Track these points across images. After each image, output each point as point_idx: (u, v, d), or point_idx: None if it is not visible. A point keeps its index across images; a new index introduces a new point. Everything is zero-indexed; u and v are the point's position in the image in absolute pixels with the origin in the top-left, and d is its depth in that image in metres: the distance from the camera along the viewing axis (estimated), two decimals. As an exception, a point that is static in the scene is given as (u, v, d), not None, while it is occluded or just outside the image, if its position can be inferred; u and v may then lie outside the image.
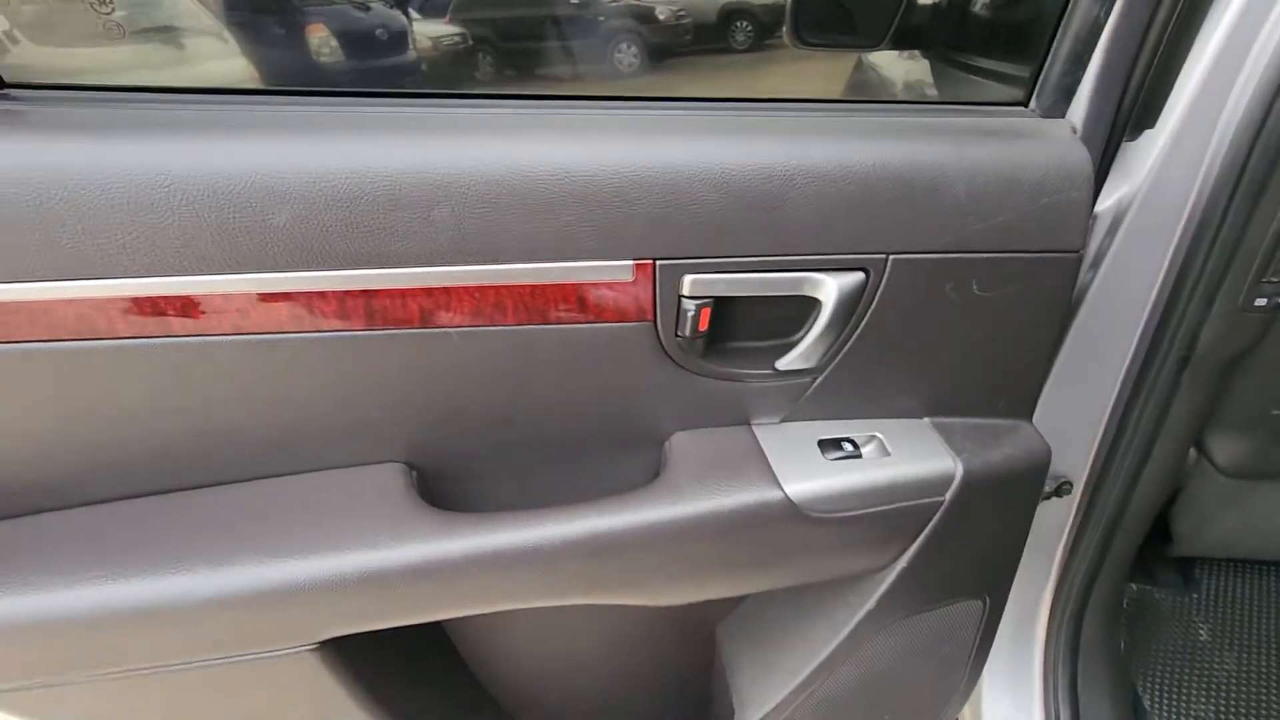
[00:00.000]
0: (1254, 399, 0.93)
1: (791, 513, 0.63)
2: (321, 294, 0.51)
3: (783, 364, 0.64)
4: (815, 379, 0.66)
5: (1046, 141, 0.60)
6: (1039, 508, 0.78)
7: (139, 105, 0.50)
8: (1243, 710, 1.15)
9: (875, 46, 0.85)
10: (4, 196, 0.44)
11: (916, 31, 1.26)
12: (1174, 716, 1.14)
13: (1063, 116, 0.63)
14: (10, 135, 0.45)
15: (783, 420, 0.69)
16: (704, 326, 0.59)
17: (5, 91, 0.47)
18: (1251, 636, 1.24)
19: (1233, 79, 0.61)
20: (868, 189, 0.56)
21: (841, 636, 0.75)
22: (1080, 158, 0.59)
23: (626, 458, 0.68)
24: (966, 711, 1.14)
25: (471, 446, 0.64)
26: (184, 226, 0.47)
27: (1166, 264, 0.72)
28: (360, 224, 0.49)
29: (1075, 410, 0.82)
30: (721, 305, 0.59)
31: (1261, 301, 0.72)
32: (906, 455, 0.67)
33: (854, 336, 0.63)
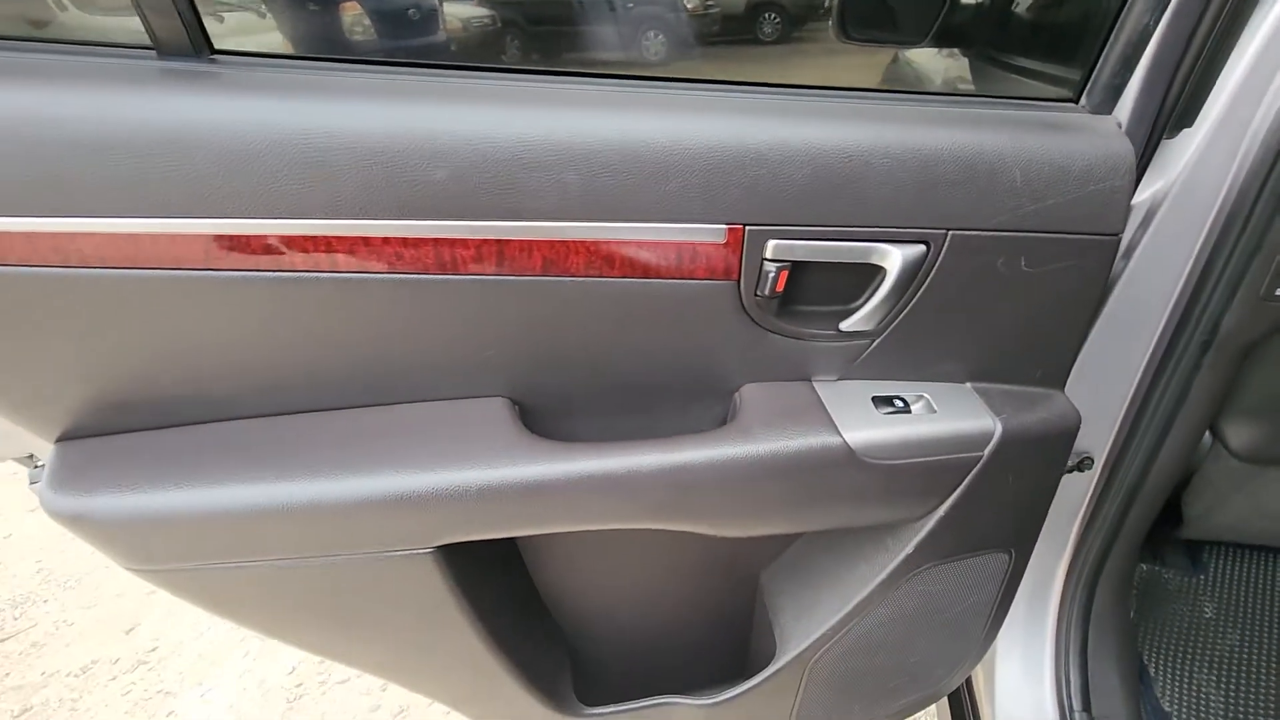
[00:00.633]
0: (1269, 386, 1.00)
1: (848, 457, 0.71)
2: (464, 241, 0.59)
3: (845, 325, 0.72)
4: (873, 341, 0.74)
5: (1095, 134, 0.67)
6: (1061, 481, 0.86)
7: (321, 72, 0.58)
8: (1243, 682, 1.22)
9: (919, 43, 0.92)
10: (210, 144, 0.53)
11: (960, 30, 1.32)
12: (1178, 685, 1.22)
13: (1110, 114, 0.70)
14: (216, 94, 0.54)
15: (840, 378, 0.77)
16: (780, 288, 0.67)
17: (213, 57, 0.56)
18: (1255, 616, 1.31)
19: (1266, 85, 0.68)
20: (934, 170, 0.64)
21: (879, 580, 0.83)
22: (1125, 150, 0.66)
23: (699, 404, 0.77)
24: (979, 670, 1.22)
25: (567, 387, 0.72)
26: (360, 178, 0.55)
27: (1195, 254, 0.79)
28: (502, 182, 0.58)
29: (1100, 390, 0.89)
30: (795, 269, 0.67)
31: None
32: (951, 413, 0.75)
33: (911, 304, 0.71)
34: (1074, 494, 1.02)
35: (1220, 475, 1.23)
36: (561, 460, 0.67)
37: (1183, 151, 0.73)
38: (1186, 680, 1.23)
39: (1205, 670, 1.23)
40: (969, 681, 1.23)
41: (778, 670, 0.89)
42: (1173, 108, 0.69)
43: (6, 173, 0.51)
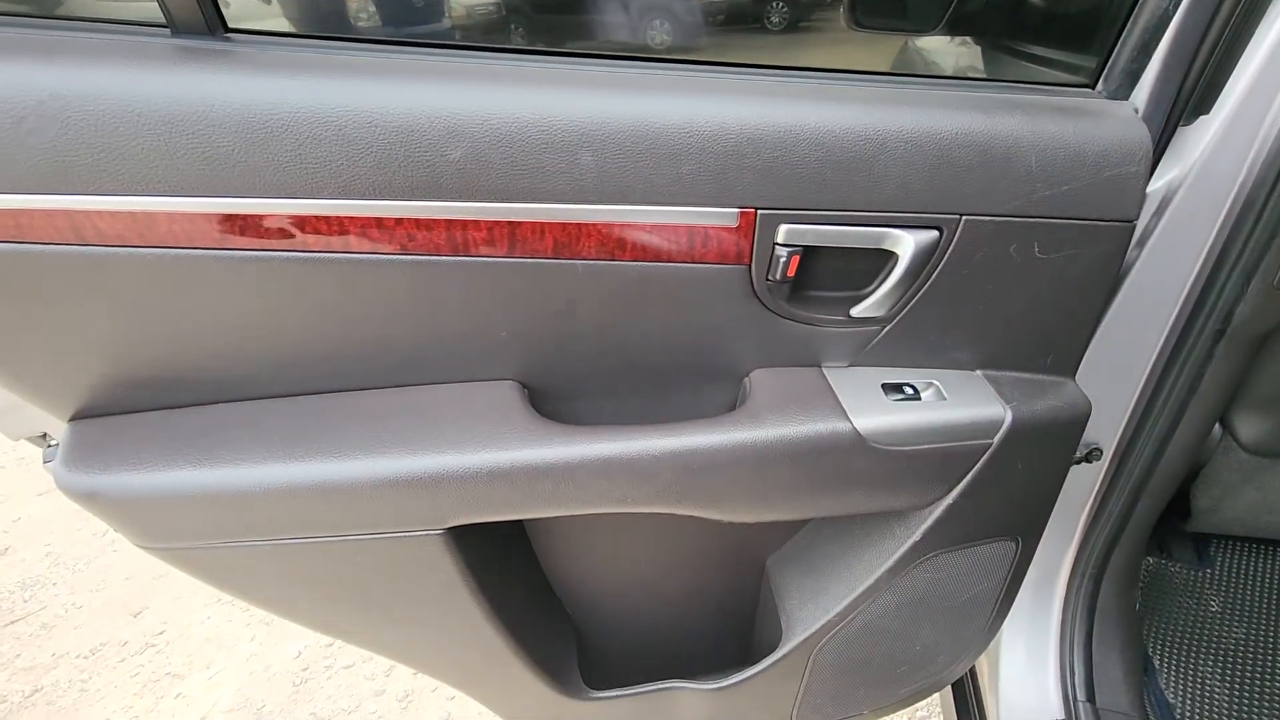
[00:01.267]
0: None
1: (857, 444, 0.71)
2: (476, 223, 0.59)
3: (856, 311, 0.72)
4: (883, 328, 0.74)
5: (1111, 120, 0.67)
6: (1069, 471, 0.86)
7: (335, 51, 0.58)
8: (1248, 676, 1.22)
9: (930, 30, 0.91)
10: (224, 123, 0.53)
11: (972, 17, 1.31)
12: (1182, 678, 1.22)
13: (1126, 99, 0.70)
14: (231, 72, 0.54)
15: (850, 365, 0.77)
16: (792, 272, 0.67)
17: (227, 36, 0.56)
18: (1261, 610, 1.31)
19: None
20: (948, 154, 0.63)
21: (885, 566, 0.83)
22: (1141, 135, 0.66)
23: (709, 388, 0.77)
24: (984, 660, 1.22)
25: (576, 370, 0.72)
26: (375, 158, 0.55)
27: (1209, 243, 0.78)
28: (518, 162, 0.57)
29: (1110, 380, 0.89)
30: (807, 254, 0.67)
31: None
32: (961, 401, 0.74)
33: (922, 290, 0.70)
34: (1082, 485, 1.02)
35: (1229, 468, 1.23)
36: (571, 443, 0.67)
37: (1199, 138, 0.72)
38: (1191, 673, 1.23)
39: (1210, 664, 1.23)
40: (973, 670, 1.24)
41: (783, 656, 0.90)
42: (1190, 94, 0.69)
43: (25, 150, 0.51)
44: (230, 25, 0.56)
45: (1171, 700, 1.20)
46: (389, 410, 0.67)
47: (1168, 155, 0.73)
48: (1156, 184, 0.74)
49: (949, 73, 1.24)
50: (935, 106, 0.65)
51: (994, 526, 0.84)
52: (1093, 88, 0.72)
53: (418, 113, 0.55)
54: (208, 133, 0.52)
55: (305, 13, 0.69)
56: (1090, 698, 1.10)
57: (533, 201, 0.59)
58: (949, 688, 1.29)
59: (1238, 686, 1.21)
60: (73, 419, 0.65)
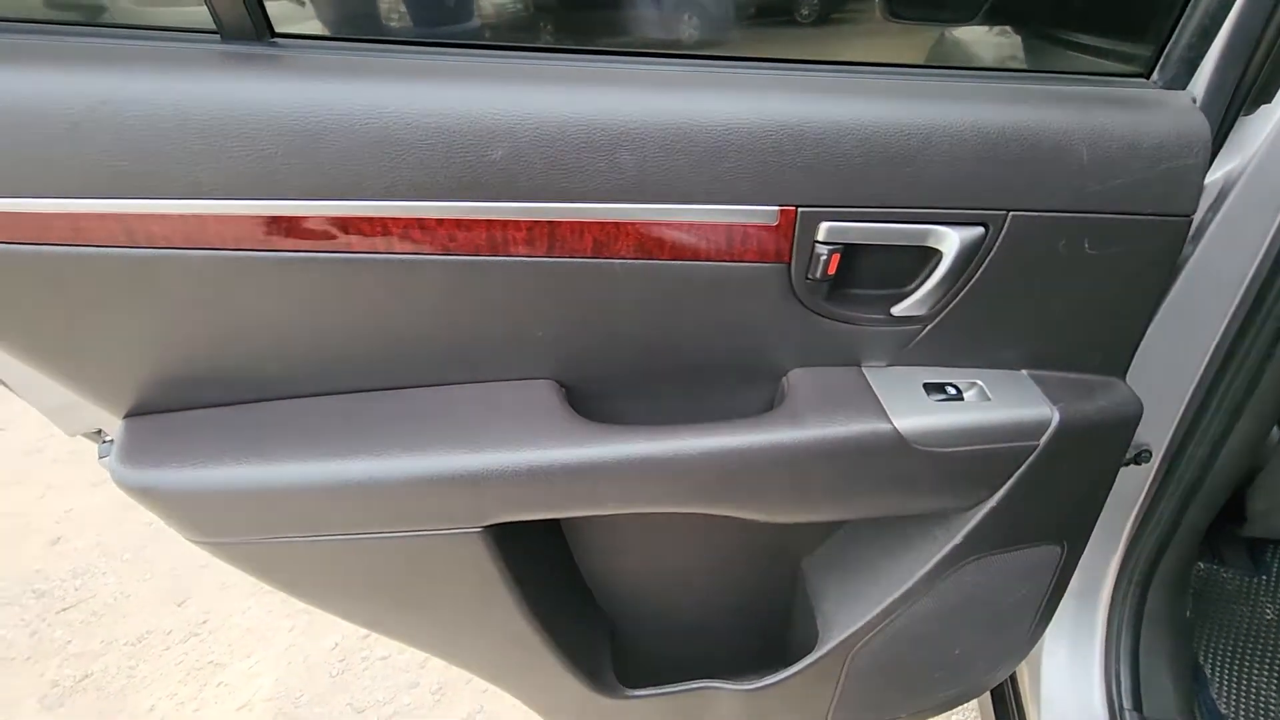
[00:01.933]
0: None
1: (899, 445, 0.69)
2: (516, 223, 0.60)
3: (897, 310, 0.70)
4: (924, 326, 0.72)
5: (1168, 110, 0.64)
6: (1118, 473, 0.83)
7: (378, 54, 0.59)
8: (1305, 687, 1.17)
9: (968, 20, 0.89)
10: (272, 126, 0.54)
11: (1012, 6, 1.27)
12: (1235, 688, 1.18)
13: (1184, 89, 0.67)
14: (278, 76, 0.55)
15: (889, 364, 0.75)
16: (832, 270, 0.66)
17: (274, 40, 0.57)
18: (1319, 619, 1.26)
19: None
20: (995, 148, 0.62)
21: (925, 569, 0.82)
22: (1200, 125, 0.63)
23: (746, 388, 0.76)
24: (1024, 667, 1.19)
25: (613, 369, 0.72)
26: (418, 159, 0.55)
27: (1270, 237, 0.75)
28: (558, 162, 0.57)
29: (1162, 379, 0.86)
30: (847, 251, 0.66)
31: None
32: (1006, 401, 0.73)
33: (966, 288, 0.69)
34: (1129, 488, 0.99)
35: None
36: (610, 443, 0.67)
37: (1261, 128, 0.69)
38: (1245, 683, 1.19)
39: (1265, 673, 1.19)
40: (1013, 677, 1.21)
41: (819, 658, 0.89)
42: (1252, 82, 0.66)
43: (80, 156, 0.52)
44: (276, 30, 0.56)
45: (1224, 711, 1.15)
46: (429, 409, 0.68)
47: (1227, 146, 0.71)
48: (1214, 175, 0.71)
49: (992, 64, 1.21)
50: (981, 99, 0.63)
51: (1038, 530, 0.82)
52: (1147, 77, 0.69)
53: (459, 114, 0.55)
54: (256, 136, 0.53)
55: (346, 15, 0.70)
56: (1137, 706, 1.07)
57: (572, 201, 0.59)
58: (988, 694, 1.26)
59: (1295, 698, 1.16)
60: (127, 416, 0.67)
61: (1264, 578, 1.32)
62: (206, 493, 0.63)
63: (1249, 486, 1.25)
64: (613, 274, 0.64)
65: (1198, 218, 0.74)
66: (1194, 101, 0.66)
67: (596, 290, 0.65)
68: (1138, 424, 0.76)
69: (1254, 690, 1.17)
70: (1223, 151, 0.71)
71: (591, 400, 0.74)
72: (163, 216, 0.55)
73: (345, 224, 0.57)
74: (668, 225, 0.62)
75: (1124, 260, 0.68)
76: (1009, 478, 0.75)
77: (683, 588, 1.00)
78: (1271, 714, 1.15)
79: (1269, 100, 0.68)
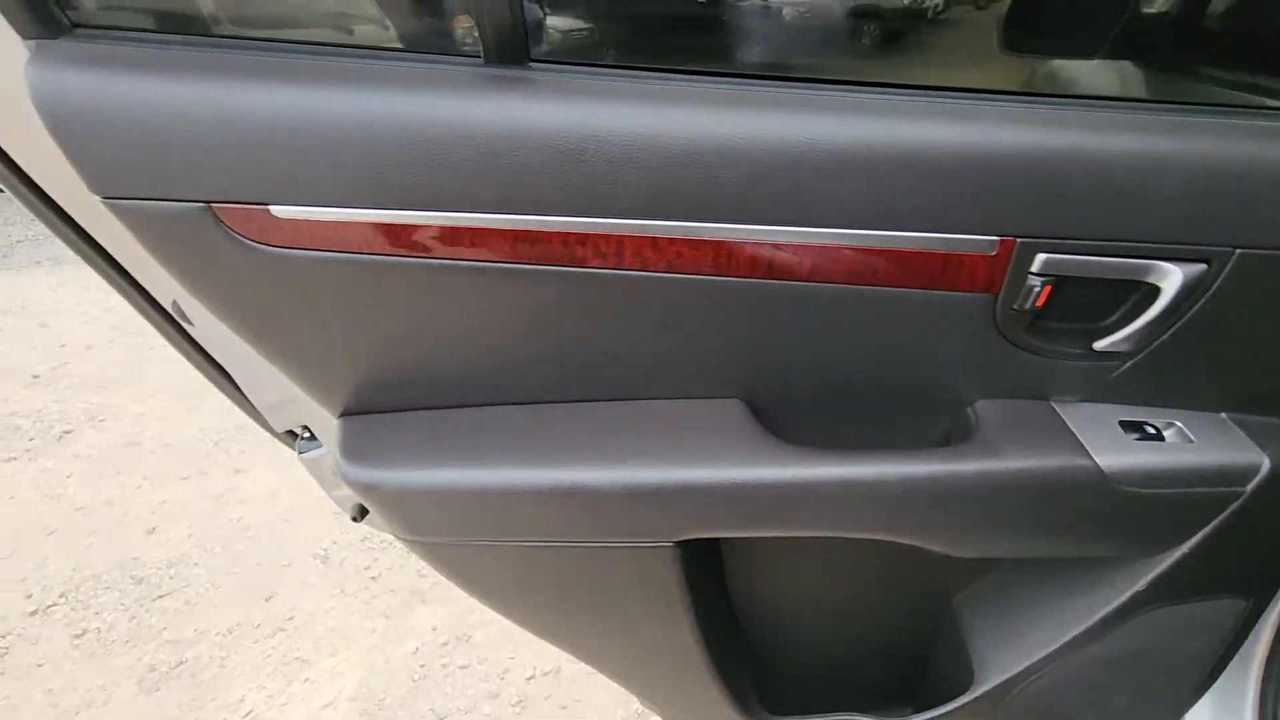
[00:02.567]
0: None
1: (1100, 483, 0.68)
2: (740, 244, 0.61)
3: (1101, 345, 0.69)
4: (1124, 363, 0.70)
5: None
6: None
7: (628, 79, 0.61)
8: None
9: (1092, 54, 0.87)
10: (530, 146, 0.56)
11: (1139, 38, 1.25)
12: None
13: None
14: (537, 98, 0.57)
15: (1079, 399, 0.74)
16: (1041, 303, 0.65)
17: (532, 64, 0.59)
18: None
19: None
20: (1225, 183, 0.60)
21: (1099, 616, 0.79)
22: None
23: (926, 415, 0.75)
24: None
25: (798, 390, 0.72)
26: (661, 179, 0.57)
27: None
28: (789, 187, 0.58)
29: None
30: (1058, 283, 0.65)
31: None
32: (1210, 444, 0.70)
33: (1178, 325, 0.67)
34: None
35: None
36: (808, 465, 0.67)
37: None
38: None
39: None
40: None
41: (974, 699, 0.86)
42: None
43: (345, 167, 0.56)
44: (534, 56, 0.59)
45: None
46: (630, 421, 0.69)
47: None
48: None
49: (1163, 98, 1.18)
50: (1210, 134, 0.62)
51: (1227, 581, 0.79)
52: None
53: (700, 137, 0.57)
54: (515, 154, 0.56)
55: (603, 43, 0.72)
56: None
57: (798, 225, 0.60)
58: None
59: None
60: (342, 415, 0.70)
61: None
62: (425, 493, 0.65)
63: None
64: (816, 297, 0.64)
65: None
66: None
67: (798, 313, 0.66)
68: None
69: None
70: None
71: (771, 420, 0.74)
72: (416, 227, 0.58)
73: (585, 240, 0.59)
74: (884, 251, 0.62)
75: None
76: (1206, 524, 0.72)
77: (828, 616, 0.98)
78: None
79: None
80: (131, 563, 2.39)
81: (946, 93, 0.64)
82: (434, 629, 2.13)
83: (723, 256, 0.61)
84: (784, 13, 0.70)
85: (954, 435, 0.75)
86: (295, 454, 0.80)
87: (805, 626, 0.98)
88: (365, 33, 0.62)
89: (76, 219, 0.66)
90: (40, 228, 5.50)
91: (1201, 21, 0.93)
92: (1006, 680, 0.84)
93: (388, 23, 0.62)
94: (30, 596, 2.26)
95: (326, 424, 0.77)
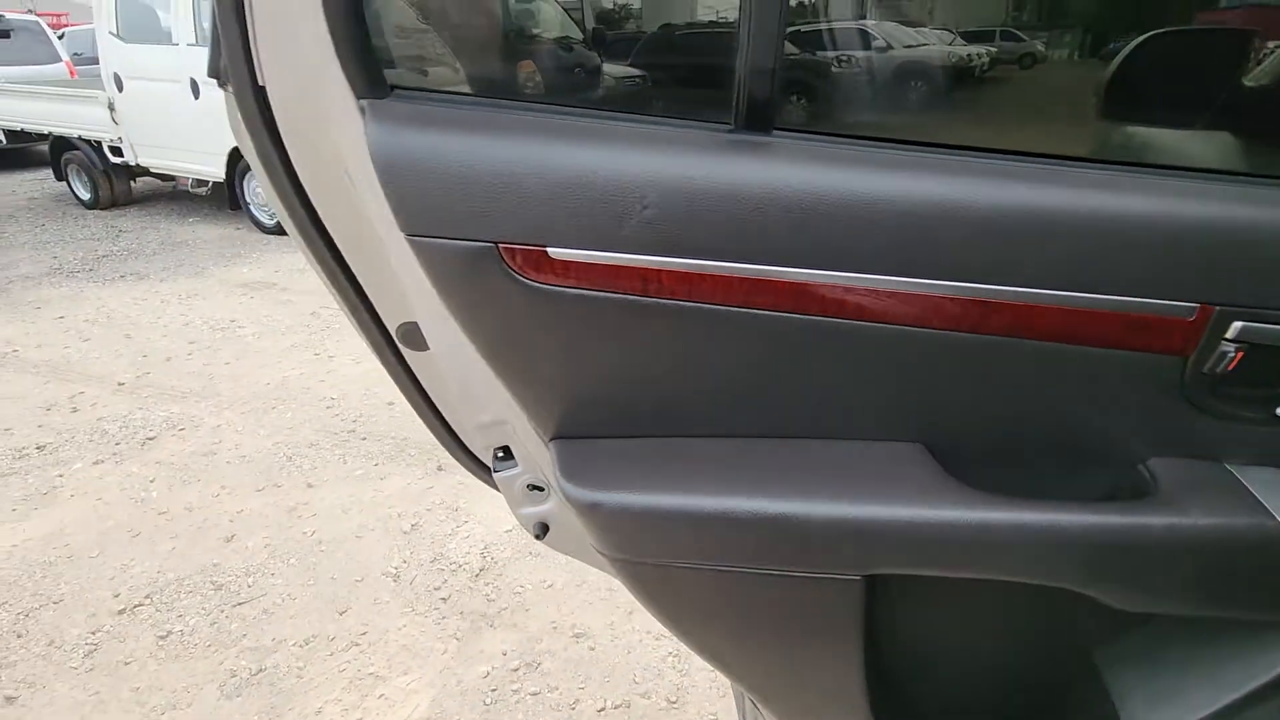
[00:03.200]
0: None
1: None
2: (952, 300, 0.66)
3: None
4: None
5: None
6: None
7: (859, 147, 0.67)
8: None
9: (1194, 124, 0.91)
10: (776, 204, 0.63)
11: (1244, 108, 1.28)
12: None
13: None
14: (780, 162, 0.64)
15: (1252, 464, 0.76)
16: (1232, 368, 0.69)
17: (775, 132, 0.66)
18: None
19: None
20: None
21: (1265, 680, 0.80)
22: None
23: (1096, 468, 0.78)
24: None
25: (976, 438, 0.76)
26: (895, 239, 0.63)
27: None
28: (1009, 248, 0.64)
29: None
30: (1250, 350, 0.69)
31: None
32: None
33: None
34: None
35: None
36: (996, 510, 0.70)
37: None
38: None
39: None
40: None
41: None
42: None
43: (615, 216, 0.63)
44: (776, 124, 0.66)
45: None
46: (827, 458, 0.73)
47: None
48: None
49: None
50: None
51: None
52: None
53: (924, 201, 0.63)
54: (759, 211, 0.62)
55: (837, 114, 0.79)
56: None
57: (1007, 284, 0.65)
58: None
59: None
60: (554, 438, 0.76)
61: None
62: (638, 513, 0.70)
63: None
64: (1013, 351, 0.69)
65: None
66: None
67: (992, 365, 0.70)
68: None
69: None
70: None
71: (946, 465, 0.78)
72: (664, 272, 0.64)
73: (812, 290, 0.65)
74: (1082, 313, 0.67)
75: None
76: None
77: (961, 664, 1.00)
78: None
79: None
80: (212, 568, 2.46)
81: (1155, 169, 0.69)
82: (504, 654, 2.15)
83: (931, 309, 0.66)
84: (995, 91, 0.77)
85: (1124, 490, 0.78)
86: (492, 472, 0.86)
87: (939, 671, 0.99)
88: (632, 98, 0.70)
89: (341, 247, 0.74)
90: (123, 244, 5.80)
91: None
92: None
93: (652, 91, 0.69)
94: (118, 595, 2.34)
95: (523, 448, 0.83)
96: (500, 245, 0.62)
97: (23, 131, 7.48)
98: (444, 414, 0.87)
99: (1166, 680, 0.87)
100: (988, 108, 0.75)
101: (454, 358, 0.73)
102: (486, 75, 0.68)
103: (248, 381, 3.76)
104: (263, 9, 0.58)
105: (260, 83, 0.61)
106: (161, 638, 2.19)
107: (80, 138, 6.82)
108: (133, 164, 6.63)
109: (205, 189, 6.63)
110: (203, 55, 5.70)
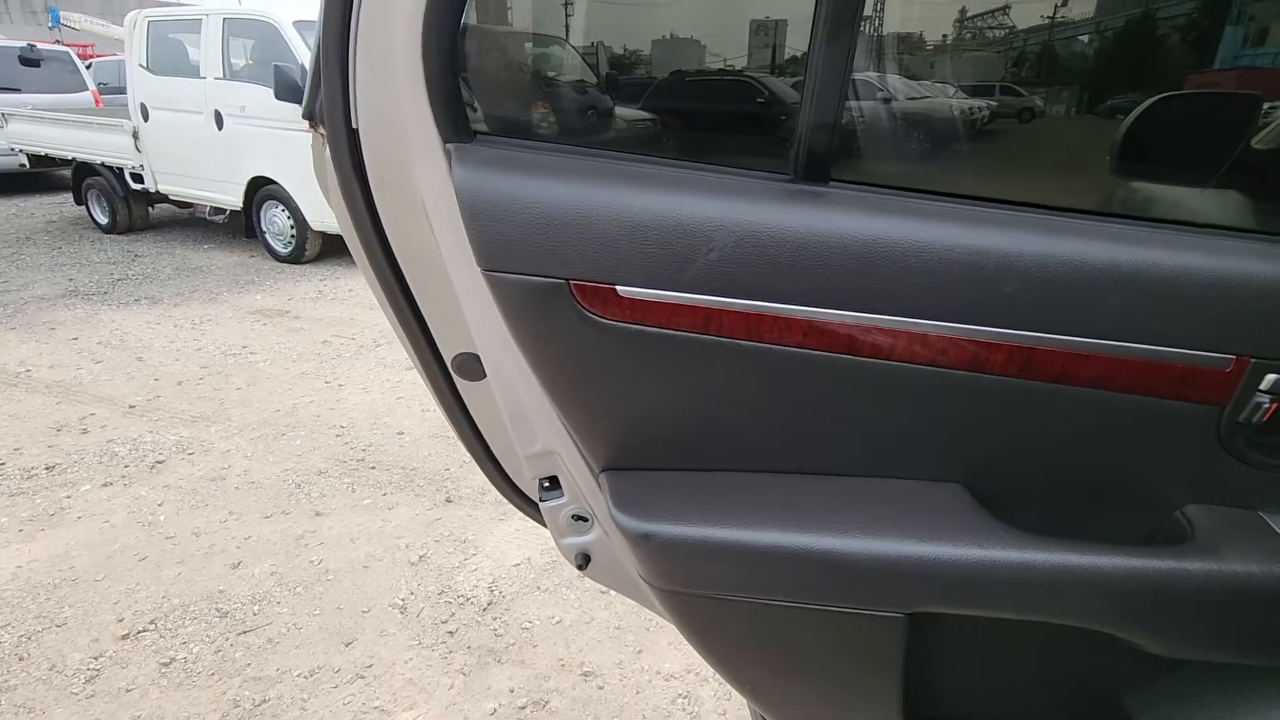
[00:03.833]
0: None
1: None
2: (998, 345, 0.69)
3: None
4: None
5: None
6: None
7: (912, 197, 0.71)
8: None
9: (1206, 182, 0.95)
10: (834, 250, 0.66)
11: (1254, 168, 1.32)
12: None
13: None
14: (836, 211, 0.68)
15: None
16: (1266, 418, 0.72)
17: (831, 182, 0.71)
18: None
19: None
20: None
21: None
22: None
23: (1132, 513, 0.80)
24: None
25: (1015, 481, 0.79)
26: (934, 287, 0.67)
27: None
28: (1050, 299, 0.67)
29: None
30: None
31: None
32: None
33: None
34: None
35: None
36: (1039, 551, 0.72)
37: None
38: None
39: None
40: None
41: None
42: None
43: (680, 257, 0.66)
44: (833, 175, 0.70)
45: None
46: (872, 496, 0.75)
47: None
48: None
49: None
50: None
51: None
52: None
53: (983, 252, 0.67)
54: (818, 257, 0.66)
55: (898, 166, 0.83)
56: None
57: (1056, 333, 0.69)
58: None
59: None
60: (605, 469, 0.78)
61: None
62: (688, 545, 0.72)
63: None
64: (1058, 398, 0.72)
65: None
66: None
67: (1036, 410, 0.73)
68: None
69: None
70: None
71: (987, 505, 0.80)
72: (732, 312, 0.68)
73: (868, 332, 0.68)
74: (1126, 362, 0.70)
75: None
76: None
77: (994, 702, 1.00)
78: None
79: None
80: (218, 595, 2.44)
81: (1191, 227, 0.73)
82: (511, 691, 2.12)
83: (983, 355, 0.69)
84: (1050, 150, 0.82)
85: (1160, 535, 0.80)
86: (539, 501, 0.88)
87: (977, 705, 0.99)
88: (703, 147, 0.74)
89: (408, 278, 0.77)
90: (138, 268, 5.88)
91: None
92: None
93: (721, 142, 0.74)
94: (122, 620, 2.32)
95: (570, 478, 0.85)
96: (571, 282, 0.66)
97: (46, 156, 7.64)
98: (490, 444, 0.89)
99: None
100: (1033, 164, 0.80)
101: (511, 388, 0.76)
102: (563, 123, 0.72)
103: (258, 407, 3.77)
104: (366, 58, 0.62)
105: (354, 126, 0.66)
106: (164, 665, 2.16)
107: (103, 164, 6.97)
108: (153, 190, 6.76)
109: (223, 217, 6.75)
110: (227, 88, 5.87)
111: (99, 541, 2.69)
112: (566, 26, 0.78)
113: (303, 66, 5.42)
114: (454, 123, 0.65)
